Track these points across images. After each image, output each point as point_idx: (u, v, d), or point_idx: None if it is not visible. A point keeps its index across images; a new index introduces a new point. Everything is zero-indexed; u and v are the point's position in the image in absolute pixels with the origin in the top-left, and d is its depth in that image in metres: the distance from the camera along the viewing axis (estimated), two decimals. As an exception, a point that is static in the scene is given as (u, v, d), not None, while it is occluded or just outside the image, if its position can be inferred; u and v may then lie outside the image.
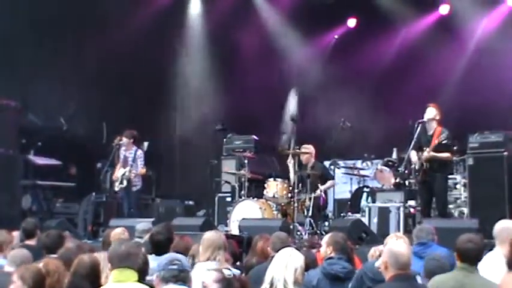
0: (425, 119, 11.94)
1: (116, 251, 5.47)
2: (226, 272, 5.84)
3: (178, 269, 5.46)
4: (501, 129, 12.71)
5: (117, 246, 5.58)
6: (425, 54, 17.11)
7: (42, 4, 15.13)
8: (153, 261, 6.16)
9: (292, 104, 14.60)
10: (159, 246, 7.41)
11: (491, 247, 7.30)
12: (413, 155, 12.06)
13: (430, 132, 11.94)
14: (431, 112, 11.96)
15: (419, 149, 11.99)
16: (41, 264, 6.00)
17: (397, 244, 6.18)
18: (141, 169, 13.59)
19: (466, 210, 12.86)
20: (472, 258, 6.33)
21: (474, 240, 6.47)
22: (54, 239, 7.97)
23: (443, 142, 11.67)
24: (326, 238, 7.35)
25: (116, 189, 13.82)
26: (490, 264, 6.60)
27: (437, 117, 11.95)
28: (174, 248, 7.45)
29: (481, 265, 6.52)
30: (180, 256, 5.73)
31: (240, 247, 9.54)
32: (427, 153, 11.73)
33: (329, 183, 13.73)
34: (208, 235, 7.23)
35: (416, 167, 11.94)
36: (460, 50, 16.55)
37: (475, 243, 6.43)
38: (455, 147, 12.47)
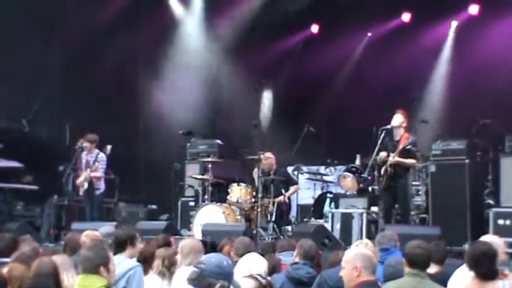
0: (392, 125, 12.03)
1: (86, 256, 5.50)
2: (262, 280, 5.79)
3: (197, 272, 5.18)
4: (463, 137, 12.87)
5: (88, 251, 5.61)
6: (388, 60, 17.26)
7: (4, 4, 14.98)
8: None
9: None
10: (118, 244, 7.34)
11: (453, 254, 7.37)
12: (381, 155, 12.11)
13: (397, 138, 12.05)
14: (398, 119, 12.06)
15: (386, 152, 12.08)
16: (4, 270, 5.95)
17: (367, 249, 6.22)
18: (92, 172, 13.49)
19: (427, 216, 12.97)
20: (421, 263, 6.34)
21: (423, 245, 6.48)
22: (8, 243, 7.86)
23: (408, 148, 11.78)
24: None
25: (81, 193, 13.72)
26: (460, 281, 6.58)
27: (404, 124, 12.07)
28: (142, 254, 7.42)
29: (450, 282, 6.57)
30: (210, 261, 5.24)
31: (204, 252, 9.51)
32: (392, 158, 11.83)
33: (293, 188, 13.77)
34: (188, 241, 7.27)
35: (382, 171, 12.01)
36: (421, 56, 16.73)
37: (423, 248, 6.44)
38: (419, 154, 12.57)
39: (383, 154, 12.04)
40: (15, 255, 7.00)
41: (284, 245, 8.39)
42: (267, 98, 18.86)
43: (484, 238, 6.96)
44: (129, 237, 7.34)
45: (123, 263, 6.92)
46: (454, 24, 17.01)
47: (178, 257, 7.16)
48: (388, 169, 11.88)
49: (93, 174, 13.50)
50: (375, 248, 7.06)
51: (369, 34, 18.10)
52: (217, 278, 4.96)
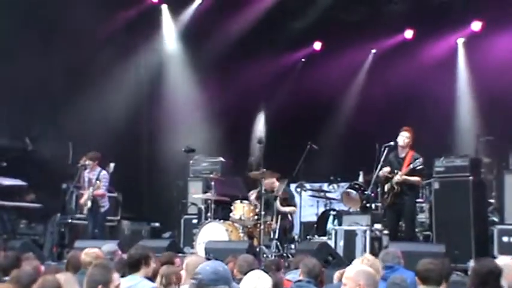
0: (398, 143, 12.00)
1: (89, 274, 5.51)
2: None
3: (195, 284, 5.21)
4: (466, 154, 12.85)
5: (92, 269, 5.62)
6: (390, 76, 17.30)
7: (5, 22, 15.02)
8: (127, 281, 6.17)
9: (259, 127, 14.60)
10: (131, 264, 7.32)
11: (457, 272, 7.35)
12: (384, 170, 12.09)
13: (402, 155, 12.02)
14: (404, 136, 12.03)
15: (389, 172, 12.06)
16: None
17: (373, 265, 6.19)
18: (95, 189, 13.49)
19: (431, 234, 12.93)
20: (435, 279, 6.35)
21: (434, 262, 6.50)
22: (10, 261, 7.86)
23: (416, 167, 11.76)
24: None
25: (85, 212, 13.72)
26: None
27: (410, 141, 12.03)
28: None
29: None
30: (205, 269, 5.27)
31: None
32: (400, 176, 11.81)
33: (290, 208, 13.71)
34: (193, 258, 7.24)
35: (385, 188, 11.99)
36: (424, 73, 16.76)
37: (435, 264, 6.46)
38: (425, 172, 12.52)
39: (386, 169, 12.02)
40: (13, 273, 6.98)
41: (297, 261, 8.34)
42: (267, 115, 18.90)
43: (500, 260, 6.91)
44: (144, 257, 7.33)
45: (140, 284, 6.91)
46: (461, 41, 17.05)
47: (183, 273, 7.13)
48: (395, 187, 11.85)
49: (95, 192, 13.50)
50: (379, 265, 7.01)
51: (374, 51, 18.14)
52: (216, 285, 4.97)
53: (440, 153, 12.82)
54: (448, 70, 16.87)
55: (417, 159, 11.79)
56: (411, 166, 11.76)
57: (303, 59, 19.21)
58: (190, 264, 7.05)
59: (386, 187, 12.03)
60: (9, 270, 7.31)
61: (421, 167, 11.86)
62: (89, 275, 5.71)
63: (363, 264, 6.76)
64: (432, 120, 16.00)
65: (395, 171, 11.95)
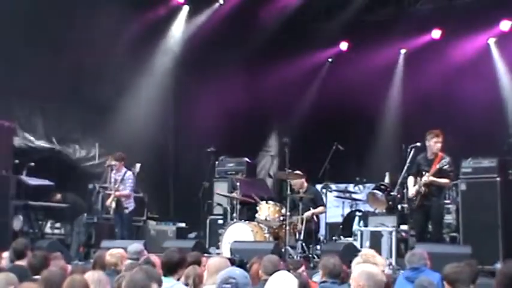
0: (431, 148, 11.88)
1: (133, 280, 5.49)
2: None
3: None
4: (493, 155, 12.72)
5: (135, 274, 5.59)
6: (417, 77, 17.22)
7: (34, 24, 15.15)
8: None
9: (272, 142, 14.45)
10: (170, 267, 7.34)
11: (484, 274, 7.28)
12: (410, 182, 12.04)
13: (431, 157, 11.92)
14: (433, 138, 11.89)
15: (418, 173, 11.98)
16: None
17: (376, 262, 6.18)
18: (116, 191, 13.56)
19: (458, 235, 12.84)
20: (464, 280, 6.32)
21: (461, 265, 6.48)
22: (40, 260, 7.93)
23: (444, 168, 11.66)
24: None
25: (111, 212, 13.81)
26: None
27: (439, 144, 11.90)
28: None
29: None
30: (236, 273, 5.34)
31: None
32: (427, 177, 11.71)
33: (319, 209, 13.67)
34: (215, 259, 7.24)
35: (413, 193, 11.90)
36: (448, 74, 16.64)
37: (463, 267, 6.44)
38: (453, 174, 12.40)
39: (411, 186, 11.92)
40: (43, 273, 7.04)
41: None
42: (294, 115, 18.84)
43: None
44: (182, 260, 7.35)
45: (176, 287, 6.93)
46: (492, 40, 16.90)
47: (204, 274, 7.13)
48: (423, 188, 11.76)
49: (118, 193, 13.56)
50: (383, 260, 6.92)
51: (403, 51, 18.02)
52: None
53: (478, 155, 12.67)
54: (478, 70, 16.67)
55: (445, 159, 11.70)
56: (438, 166, 11.66)
57: (329, 59, 19.14)
58: (212, 265, 7.04)
59: (414, 189, 11.91)
60: (38, 270, 7.38)
61: (448, 167, 11.75)
62: (130, 278, 5.61)
63: (360, 259, 6.71)
64: (463, 120, 15.85)
65: (424, 172, 11.85)
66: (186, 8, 18.11)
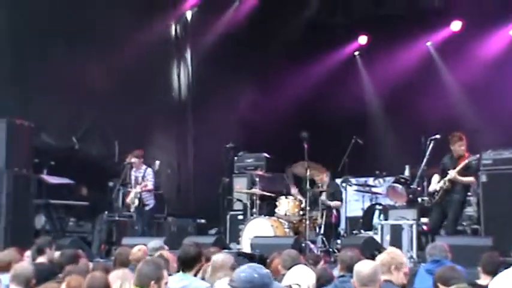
0: (456, 152, 11.81)
1: (140, 269, 5.65)
2: None
3: None
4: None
5: (144, 265, 5.71)
6: (437, 72, 17.13)
7: (54, 25, 15.23)
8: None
9: None
10: (186, 262, 7.35)
11: (506, 265, 7.22)
12: (435, 179, 11.98)
13: (457, 157, 11.83)
14: (457, 142, 11.81)
15: (443, 172, 11.90)
16: (63, 285, 6.06)
17: (360, 263, 6.20)
18: (144, 184, 13.61)
19: (479, 227, 12.76)
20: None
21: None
22: (68, 259, 8.00)
23: (473, 164, 11.59)
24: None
25: (132, 210, 13.87)
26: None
27: (463, 146, 11.81)
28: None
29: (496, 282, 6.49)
30: (238, 276, 5.08)
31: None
32: (453, 173, 11.63)
33: (335, 203, 13.64)
34: (220, 256, 7.21)
35: (435, 188, 11.82)
36: (470, 67, 16.52)
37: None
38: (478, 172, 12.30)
39: (435, 182, 11.86)
40: (68, 269, 7.09)
41: None
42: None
43: None
44: (198, 255, 7.36)
45: (194, 283, 6.94)
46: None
47: (208, 270, 7.10)
48: (447, 183, 11.68)
49: (143, 187, 13.63)
50: (403, 258, 6.86)
51: (429, 43, 17.87)
52: None
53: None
54: (505, 63, 16.51)
55: (473, 157, 11.62)
56: (466, 161, 11.57)
57: (356, 53, 19.01)
58: (216, 262, 7.02)
59: (439, 185, 11.84)
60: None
61: (475, 164, 11.68)
62: (140, 271, 5.74)
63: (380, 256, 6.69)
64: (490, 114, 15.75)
65: (449, 170, 11.76)
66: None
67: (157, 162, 13.87)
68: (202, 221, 16.22)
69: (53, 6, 15.04)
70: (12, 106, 14.40)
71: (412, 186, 12.91)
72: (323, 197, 13.44)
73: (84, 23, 15.57)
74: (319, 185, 13.60)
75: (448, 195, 11.75)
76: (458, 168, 11.61)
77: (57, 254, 8.71)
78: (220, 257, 7.12)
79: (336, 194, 13.74)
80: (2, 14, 14.76)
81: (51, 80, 15.15)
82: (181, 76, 18.28)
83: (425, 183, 12.57)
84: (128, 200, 13.95)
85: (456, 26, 17.25)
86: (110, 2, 16.05)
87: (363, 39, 18.79)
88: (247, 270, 4.96)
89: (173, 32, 18.15)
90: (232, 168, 15.53)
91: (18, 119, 13.50)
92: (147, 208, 13.84)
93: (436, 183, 11.89)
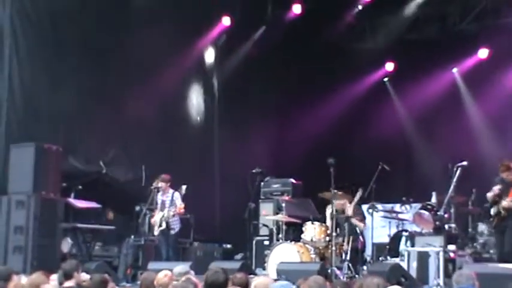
0: (503, 177, 11.77)
1: None
2: None
3: None
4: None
5: None
6: (462, 99, 17.11)
7: (82, 49, 15.43)
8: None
9: None
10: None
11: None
12: (495, 189, 11.92)
13: (509, 179, 11.81)
14: (504, 170, 11.81)
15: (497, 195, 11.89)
16: None
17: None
18: (179, 206, 13.67)
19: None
20: None
21: None
22: (97, 284, 8.04)
23: None
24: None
25: (155, 233, 13.91)
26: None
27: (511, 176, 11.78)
28: None
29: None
30: None
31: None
32: (507, 202, 11.62)
33: (359, 224, 13.63)
34: (261, 279, 7.23)
35: (492, 211, 11.78)
36: (498, 96, 16.48)
37: None
38: None
39: (496, 188, 11.80)
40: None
41: None
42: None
43: None
44: (226, 281, 7.35)
45: None
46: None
47: None
48: (502, 211, 11.66)
49: (180, 211, 13.68)
50: None
51: (455, 70, 17.83)
52: None
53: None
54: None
55: None
56: None
57: (385, 79, 19.02)
58: (258, 286, 7.03)
59: (492, 210, 11.81)
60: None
61: None
62: None
63: None
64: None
65: (503, 196, 11.72)
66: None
67: (184, 186, 13.89)
68: (228, 246, 16.22)
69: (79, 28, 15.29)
70: (42, 130, 14.59)
71: (439, 213, 12.84)
72: (350, 214, 13.38)
73: (115, 52, 15.80)
74: (343, 209, 13.57)
75: (505, 221, 11.76)
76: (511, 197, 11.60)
77: (85, 276, 8.74)
78: (261, 281, 7.12)
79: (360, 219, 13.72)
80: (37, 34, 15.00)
81: (79, 104, 15.32)
82: (207, 101, 18.39)
83: (452, 210, 12.49)
84: (152, 221, 13.99)
85: (483, 53, 17.21)
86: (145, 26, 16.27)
87: (389, 66, 18.81)
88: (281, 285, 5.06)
89: (203, 58, 18.27)
90: (258, 194, 15.55)
91: (47, 143, 13.64)
92: (172, 232, 13.88)
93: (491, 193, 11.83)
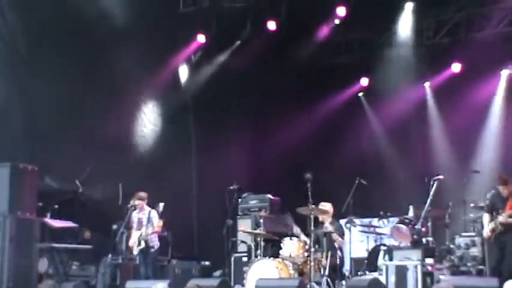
0: (499, 189, 11.85)
1: None
2: None
3: None
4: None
5: None
6: (433, 113, 17.25)
7: (58, 68, 15.39)
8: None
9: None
10: None
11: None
12: (485, 220, 12.05)
13: (504, 195, 11.87)
14: (499, 184, 11.88)
15: (492, 210, 11.95)
16: None
17: None
18: (157, 224, 13.62)
19: (484, 268, 12.72)
20: None
21: None
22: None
23: None
24: None
25: (135, 252, 13.84)
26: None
27: (506, 190, 11.85)
28: None
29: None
30: None
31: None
32: (503, 218, 11.69)
33: (339, 240, 13.66)
34: None
35: (488, 233, 11.86)
36: (469, 109, 16.65)
37: None
38: None
39: (489, 226, 11.88)
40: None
41: None
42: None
43: None
44: None
45: None
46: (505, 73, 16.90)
47: None
48: (499, 227, 11.71)
49: (157, 229, 13.63)
50: None
51: (426, 84, 18.00)
52: None
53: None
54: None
55: None
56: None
57: (360, 93, 19.15)
58: None
59: (490, 226, 11.87)
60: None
61: None
62: None
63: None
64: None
65: (499, 211, 11.78)
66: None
67: (162, 204, 13.84)
68: (207, 263, 16.17)
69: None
70: (17, 150, 14.50)
71: (416, 227, 12.89)
72: (327, 226, 13.40)
73: (90, 64, 15.77)
74: (325, 227, 13.58)
75: (502, 235, 11.79)
76: (508, 212, 11.67)
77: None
78: None
79: (338, 234, 13.73)
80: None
81: (55, 123, 15.26)
82: (182, 117, 18.37)
83: (429, 224, 12.54)
84: (131, 242, 13.92)
85: (456, 67, 17.40)
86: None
87: (364, 81, 18.95)
88: None
89: (178, 75, 18.30)
90: (236, 210, 15.52)
91: (22, 163, 13.53)
92: (152, 250, 13.81)
93: (487, 225, 11.92)
